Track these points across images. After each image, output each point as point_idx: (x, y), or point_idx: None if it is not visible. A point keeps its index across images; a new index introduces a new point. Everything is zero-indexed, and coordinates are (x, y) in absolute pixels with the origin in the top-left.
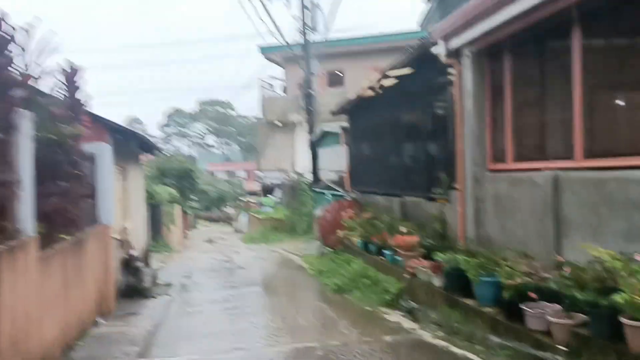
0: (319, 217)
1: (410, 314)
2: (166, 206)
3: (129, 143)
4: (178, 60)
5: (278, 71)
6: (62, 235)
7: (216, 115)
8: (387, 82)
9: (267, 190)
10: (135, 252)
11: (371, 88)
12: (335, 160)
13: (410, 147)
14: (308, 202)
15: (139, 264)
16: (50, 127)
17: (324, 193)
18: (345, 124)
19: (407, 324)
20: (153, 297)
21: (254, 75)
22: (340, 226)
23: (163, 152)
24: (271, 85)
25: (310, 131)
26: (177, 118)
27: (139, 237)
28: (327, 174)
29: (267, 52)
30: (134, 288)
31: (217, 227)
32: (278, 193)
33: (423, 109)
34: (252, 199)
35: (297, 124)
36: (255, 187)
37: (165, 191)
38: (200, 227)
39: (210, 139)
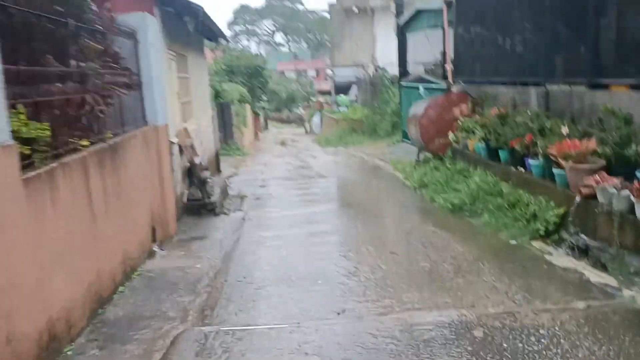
0: (414, 116)
1: (587, 255)
2: (236, 106)
3: (186, 23)
4: None
5: None
6: (83, 142)
7: (284, 11)
8: None
9: (341, 88)
10: (200, 160)
11: None
12: (429, 48)
13: (563, 11)
14: (392, 100)
15: (206, 174)
16: None
17: (416, 87)
18: None
19: (592, 274)
20: (224, 213)
21: None
22: (449, 126)
23: (229, 42)
24: None
25: (398, 13)
26: (244, 15)
27: (205, 141)
28: (416, 67)
29: None
30: (200, 203)
31: (289, 129)
32: (354, 91)
33: None
34: (324, 99)
35: (377, 10)
36: (327, 86)
37: (235, 89)
38: (272, 129)
39: (279, 37)
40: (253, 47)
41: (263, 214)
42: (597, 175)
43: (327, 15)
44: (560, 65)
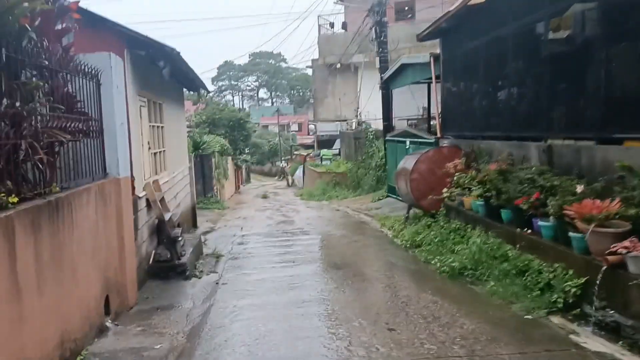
0: (404, 171)
1: (619, 335)
2: (217, 158)
3: (160, 68)
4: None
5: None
6: (10, 198)
7: (267, 68)
8: None
9: (324, 142)
10: (172, 215)
11: None
12: (414, 103)
13: (564, 62)
14: (377, 154)
15: (177, 231)
16: None
17: (401, 142)
18: (438, 51)
19: None
20: (195, 276)
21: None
22: (442, 182)
23: (210, 93)
24: (331, 25)
25: (382, 68)
26: (228, 71)
27: (181, 194)
28: (401, 121)
29: None
30: (169, 264)
31: (271, 182)
32: (337, 145)
33: None
34: (307, 152)
35: (360, 66)
36: (310, 140)
37: (216, 141)
38: (254, 181)
39: (262, 92)
40: (237, 102)
41: (240, 276)
42: (626, 241)
43: (310, 72)
44: (562, 118)
